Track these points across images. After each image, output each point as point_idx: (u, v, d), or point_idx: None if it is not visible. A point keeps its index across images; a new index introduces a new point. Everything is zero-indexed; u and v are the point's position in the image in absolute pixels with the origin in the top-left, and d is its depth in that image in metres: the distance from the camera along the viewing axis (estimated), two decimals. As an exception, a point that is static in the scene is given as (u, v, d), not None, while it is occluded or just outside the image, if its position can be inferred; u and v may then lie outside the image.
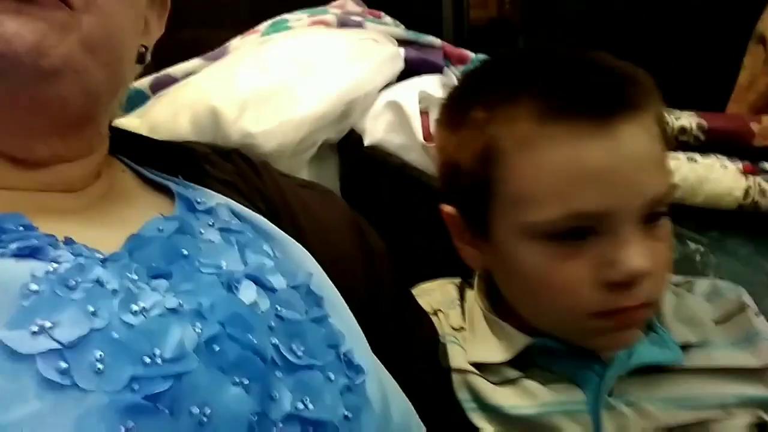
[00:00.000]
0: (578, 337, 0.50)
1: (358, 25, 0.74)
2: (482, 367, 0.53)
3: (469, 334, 0.55)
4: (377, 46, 0.70)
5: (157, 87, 0.70)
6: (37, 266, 0.32)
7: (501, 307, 0.54)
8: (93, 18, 0.37)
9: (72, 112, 0.39)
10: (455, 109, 0.53)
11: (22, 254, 0.32)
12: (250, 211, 0.46)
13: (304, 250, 0.45)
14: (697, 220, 0.66)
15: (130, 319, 0.32)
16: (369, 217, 0.55)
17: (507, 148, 0.48)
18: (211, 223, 0.42)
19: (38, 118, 0.38)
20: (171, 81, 0.69)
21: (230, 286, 0.37)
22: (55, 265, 0.32)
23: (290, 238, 0.45)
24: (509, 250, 0.49)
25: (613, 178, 0.45)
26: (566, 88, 0.47)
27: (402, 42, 0.73)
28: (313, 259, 0.45)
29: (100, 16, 0.38)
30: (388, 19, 0.80)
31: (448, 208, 0.54)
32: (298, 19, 0.75)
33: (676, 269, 0.62)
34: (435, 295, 0.59)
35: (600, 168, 0.45)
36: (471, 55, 0.75)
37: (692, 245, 0.66)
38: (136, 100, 0.69)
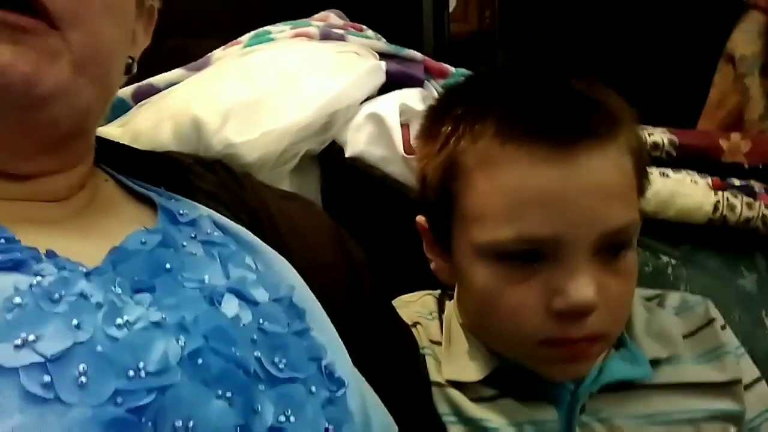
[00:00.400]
0: (528, 363, 0.50)
1: (341, 38, 0.75)
2: (459, 384, 0.52)
3: (445, 350, 0.55)
4: (359, 59, 0.71)
5: (139, 96, 0.69)
6: (20, 279, 0.32)
7: None
8: (81, 35, 0.37)
9: (62, 132, 0.39)
10: (430, 122, 0.54)
11: (4, 267, 0.32)
12: (233, 222, 0.46)
13: (287, 262, 0.45)
14: (670, 233, 0.68)
15: (114, 332, 0.31)
16: (350, 229, 0.55)
17: (468, 164, 0.48)
18: (193, 236, 0.42)
19: (28, 140, 0.38)
20: (153, 91, 0.69)
21: (213, 299, 0.37)
22: (38, 278, 0.32)
23: (273, 250, 0.45)
24: (465, 268, 0.49)
25: (566, 205, 0.45)
26: (530, 111, 0.46)
27: (383, 55, 0.74)
28: (296, 272, 0.45)
29: (88, 33, 0.37)
30: (369, 32, 0.80)
31: (421, 219, 0.55)
32: (280, 31, 0.75)
33: (649, 282, 0.63)
34: (415, 306, 0.59)
35: (552, 193, 0.45)
36: (451, 69, 0.76)
37: (664, 258, 0.67)
38: (118, 109, 0.69)
